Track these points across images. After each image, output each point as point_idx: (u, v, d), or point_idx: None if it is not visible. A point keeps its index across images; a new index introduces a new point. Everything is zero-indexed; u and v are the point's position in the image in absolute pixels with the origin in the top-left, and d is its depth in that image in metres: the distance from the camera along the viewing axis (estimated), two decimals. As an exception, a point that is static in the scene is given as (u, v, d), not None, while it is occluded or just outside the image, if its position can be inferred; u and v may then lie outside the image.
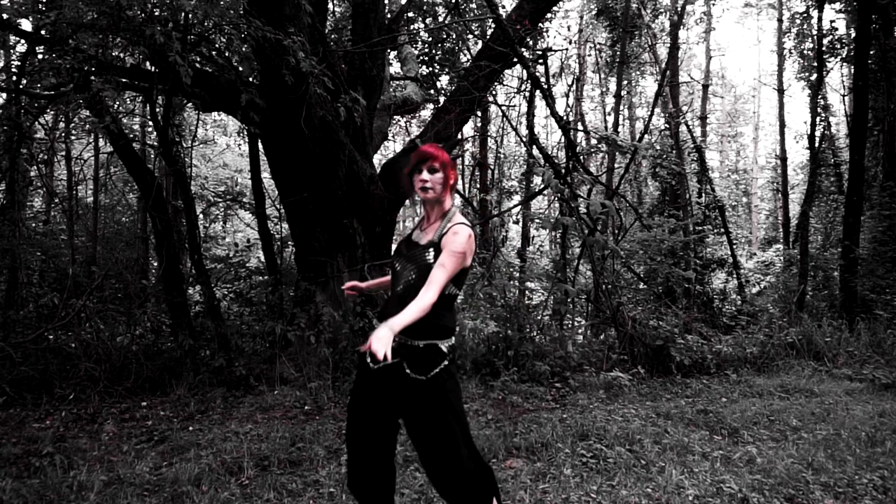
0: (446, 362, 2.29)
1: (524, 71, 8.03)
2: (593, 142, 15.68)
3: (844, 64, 15.23)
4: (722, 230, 14.28)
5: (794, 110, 44.73)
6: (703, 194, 15.04)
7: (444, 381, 2.28)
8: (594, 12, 16.93)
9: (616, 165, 14.62)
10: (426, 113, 12.87)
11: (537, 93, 7.20)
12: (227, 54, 6.69)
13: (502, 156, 15.94)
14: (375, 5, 7.36)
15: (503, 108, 9.41)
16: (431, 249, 2.31)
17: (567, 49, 14.98)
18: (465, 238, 2.27)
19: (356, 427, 2.38)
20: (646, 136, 13.06)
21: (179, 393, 5.39)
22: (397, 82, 10.05)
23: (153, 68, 6.19)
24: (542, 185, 7.16)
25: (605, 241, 6.41)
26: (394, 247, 6.81)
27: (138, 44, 5.50)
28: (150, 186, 6.72)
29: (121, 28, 5.31)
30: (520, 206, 11.07)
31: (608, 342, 6.99)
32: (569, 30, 16.51)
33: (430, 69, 11.03)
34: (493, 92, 10.47)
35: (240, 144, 18.32)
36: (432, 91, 11.11)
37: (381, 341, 1.94)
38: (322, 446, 3.96)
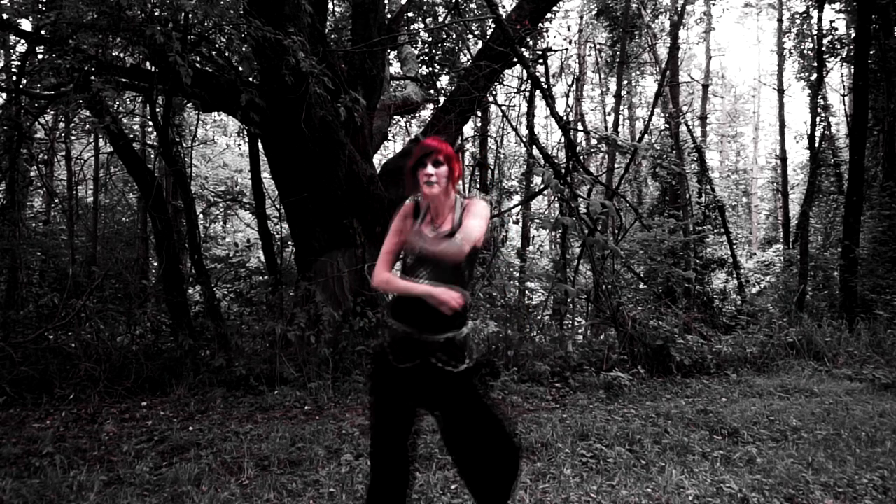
0: (474, 347, 2.36)
1: (524, 71, 8.03)
2: (593, 142, 15.69)
3: (844, 64, 15.23)
4: (722, 230, 14.29)
5: (794, 110, 44.77)
6: (703, 194, 15.04)
7: (475, 366, 2.34)
8: (594, 12, 16.93)
9: (616, 165, 14.62)
10: (426, 113, 12.87)
11: (537, 93, 7.20)
12: (227, 54, 6.69)
13: (502, 156, 15.94)
14: (375, 5, 7.36)
15: (503, 108, 9.42)
16: (454, 238, 2.30)
17: (567, 49, 14.98)
18: (485, 206, 2.32)
19: (386, 429, 2.34)
20: (646, 136, 13.06)
21: (179, 393, 5.39)
22: (397, 82, 10.05)
23: (153, 68, 6.20)
24: (542, 185, 7.16)
25: (605, 241, 6.42)
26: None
27: (138, 44, 5.51)
28: (150, 186, 6.72)
29: (121, 28, 5.31)
30: (520, 206, 11.07)
31: (608, 342, 6.99)
32: (569, 30, 16.52)
33: (430, 69, 11.03)
34: (493, 92, 10.47)
35: (240, 144, 18.32)
36: (432, 91, 11.11)
37: (450, 294, 2.08)
38: (322, 446, 3.96)
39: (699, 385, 6.15)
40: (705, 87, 19.09)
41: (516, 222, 14.22)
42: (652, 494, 3.24)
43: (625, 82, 16.82)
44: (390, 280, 2.30)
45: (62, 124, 10.17)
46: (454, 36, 10.58)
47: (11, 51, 9.15)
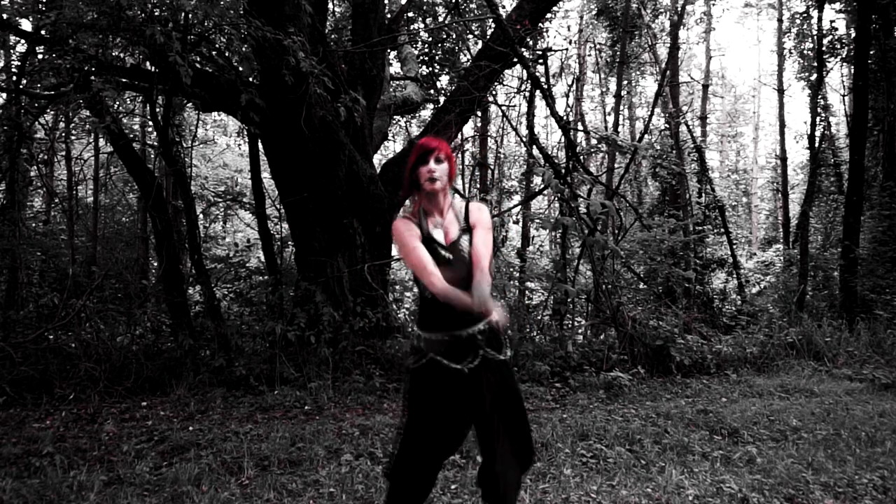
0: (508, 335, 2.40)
1: (524, 71, 8.03)
2: (593, 142, 15.68)
3: (844, 64, 15.22)
4: (722, 230, 14.28)
5: (794, 110, 44.72)
6: (703, 194, 15.04)
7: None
8: (594, 12, 16.92)
9: (616, 165, 14.61)
10: (426, 113, 12.87)
11: (537, 93, 7.20)
12: (227, 54, 6.69)
13: (502, 156, 15.95)
14: (375, 5, 7.36)
15: (503, 108, 9.42)
16: (467, 236, 2.33)
17: (567, 49, 14.99)
18: (488, 213, 2.39)
19: (440, 439, 2.31)
20: (646, 136, 13.05)
21: (179, 393, 5.39)
22: (397, 82, 10.06)
23: (153, 68, 6.20)
24: (542, 185, 7.16)
25: (605, 241, 6.42)
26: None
27: (138, 44, 5.51)
28: (150, 186, 6.73)
29: (121, 28, 5.31)
30: (520, 206, 11.07)
31: (608, 342, 6.99)
32: (569, 30, 16.53)
33: (430, 69, 11.04)
34: (493, 92, 10.47)
35: (240, 144, 18.32)
36: (432, 91, 11.11)
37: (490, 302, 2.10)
38: (322, 446, 3.96)
39: (699, 385, 6.15)
40: (705, 87, 19.08)
41: (516, 222, 14.21)
42: (652, 494, 3.24)
43: (625, 82, 16.81)
44: (449, 288, 2.21)
45: (62, 124, 10.18)
46: (454, 36, 10.58)
47: (11, 51, 9.16)
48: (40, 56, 6.51)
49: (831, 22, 13.50)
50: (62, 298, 6.06)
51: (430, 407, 2.30)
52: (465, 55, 10.81)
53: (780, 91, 18.16)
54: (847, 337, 7.83)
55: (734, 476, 3.48)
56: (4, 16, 6.13)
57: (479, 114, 13.47)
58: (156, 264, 10.31)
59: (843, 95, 16.25)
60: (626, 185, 16.68)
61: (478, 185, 14.71)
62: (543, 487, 3.34)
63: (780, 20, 18.40)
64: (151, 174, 7.38)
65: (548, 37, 17.75)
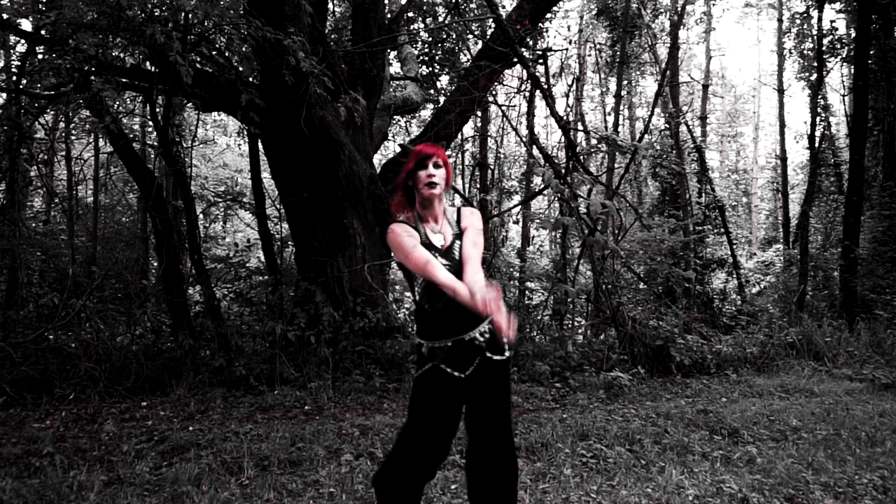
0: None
1: (524, 71, 8.03)
2: (593, 142, 15.66)
3: (844, 64, 15.22)
4: (722, 230, 14.28)
5: (794, 110, 44.73)
6: (703, 194, 15.04)
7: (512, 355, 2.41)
8: (594, 12, 16.92)
9: (616, 165, 14.60)
10: (426, 113, 12.87)
11: (537, 93, 7.20)
12: (227, 54, 6.69)
13: (502, 156, 15.93)
14: (375, 5, 7.36)
15: (503, 108, 9.41)
16: (459, 242, 2.36)
17: (567, 49, 14.98)
18: (480, 217, 2.42)
19: (444, 441, 2.30)
20: (646, 136, 13.05)
21: (179, 393, 5.39)
22: (397, 82, 10.06)
23: (153, 68, 6.20)
24: (542, 185, 7.16)
25: (605, 241, 6.42)
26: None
27: (138, 44, 5.51)
28: (150, 186, 6.72)
29: (121, 28, 5.31)
30: (520, 206, 11.07)
31: (608, 342, 6.99)
32: (569, 30, 16.53)
33: (430, 69, 11.04)
34: (493, 92, 10.46)
35: (240, 144, 18.32)
36: (432, 91, 11.11)
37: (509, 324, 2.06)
38: (322, 446, 3.96)
39: (699, 385, 6.15)
40: (705, 87, 19.08)
41: (516, 222, 14.22)
42: (652, 494, 3.24)
43: (625, 82, 16.81)
44: (455, 279, 2.20)
45: (62, 124, 10.18)
46: (454, 36, 10.58)
47: (11, 51, 9.16)
48: (40, 56, 6.51)
49: (831, 22, 13.51)
50: (62, 298, 6.06)
51: (430, 414, 2.30)
52: (465, 55, 10.81)
53: (780, 91, 18.16)
54: (847, 337, 7.83)
55: (734, 476, 3.48)
56: (4, 16, 6.13)
57: (479, 114, 13.47)
58: (156, 264, 10.31)
59: (843, 95, 16.25)
60: (626, 185, 16.68)
61: (478, 185, 14.71)
62: (543, 487, 3.34)
63: (780, 20, 18.41)
64: (151, 174, 7.38)
65: (548, 37, 17.72)
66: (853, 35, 11.99)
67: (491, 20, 8.21)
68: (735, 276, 13.43)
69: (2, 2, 5.95)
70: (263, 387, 5.54)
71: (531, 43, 9.96)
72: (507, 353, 2.36)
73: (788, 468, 3.59)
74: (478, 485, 2.36)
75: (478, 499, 2.35)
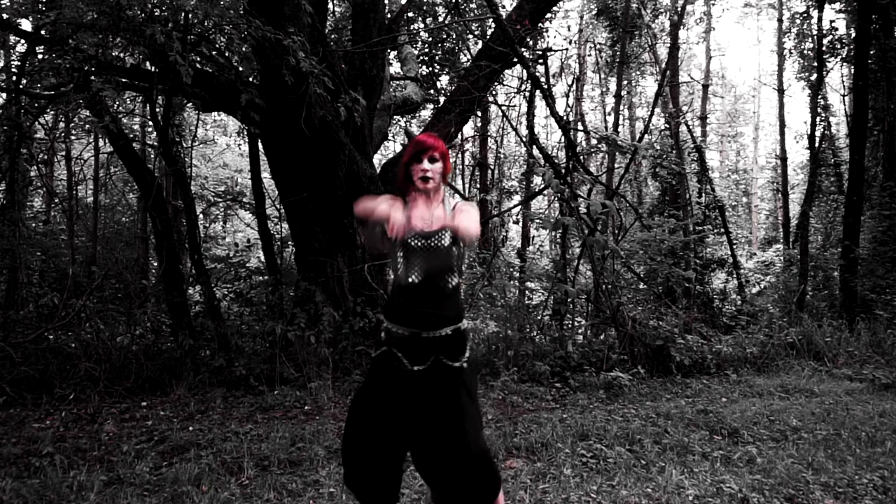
0: (471, 343, 2.36)
1: (524, 71, 8.03)
2: (593, 142, 15.66)
3: (844, 64, 15.22)
4: (722, 230, 14.27)
5: (794, 110, 44.73)
6: (703, 194, 15.03)
7: (473, 362, 2.35)
8: (594, 12, 16.92)
9: (616, 165, 14.61)
10: (426, 113, 12.87)
11: (537, 93, 7.20)
12: (227, 54, 6.69)
13: (502, 156, 15.92)
14: (375, 5, 7.35)
15: (503, 108, 9.41)
16: (447, 232, 2.30)
17: (567, 49, 14.96)
18: (476, 209, 2.35)
19: (375, 431, 2.28)
20: (646, 136, 13.04)
21: (179, 393, 5.38)
22: (397, 82, 10.05)
23: (153, 68, 6.19)
24: (542, 185, 7.16)
25: (605, 241, 6.41)
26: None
27: (138, 44, 5.50)
28: (150, 186, 6.72)
29: (121, 28, 5.31)
30: (520, 206, 11.07)
31: (608, 342, 6.98)
32: (569, 30, 16.52)
33: (430, 69, 11.03)
34: (493, 92, 10.47)
35: (240, 144, 18.31)
36: (432, 91, 11.11)
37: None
38: (322, 446, 3.96)
39: (699, 385, 6.15)
40: (705, 87, 19.09)
41: (516, 222, 14.21)
42: (652, 494, 3.24)
43: (625, 82, 16.81)
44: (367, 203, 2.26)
45: (62, 124, 10.16)
46: (454, 36, 10.58)
47: (11, 51, 9.15)
48: (40, 56, 6.50)
49: (831, 22, 13.49)
50: (62, 298, 6.06)
51: (370, 399, 2.32)
52: (465, 55, 10.81)
53: (780, 91, 18.16)
54: (847, 337, 7.83)
55: (734, 476, 3.48)
56: (4, 16, 6.13)
57: (479, 114, 13.47)
58: (156, 264, 10.31)
59: (843, 95, 16.24)
60: (626, 185, 16.68)
61: (478, 185, 14.71)
62: (543, 487, 3.34)
63: (780, 20, 18.41)
64: (151, 174, 7.38)
65: (548, 37, 17.74)
66: (853, 35, 11.99)
67: (491, 20, 8.21)
68: (735, 276, 13.41)
69: (2, 2, 5.94)
70: (263, 387, 5.54)
71: (531, 43, 9.96)
72: (462, 362, 2.31)
73: (788, 468, 3.59)
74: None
75: None
